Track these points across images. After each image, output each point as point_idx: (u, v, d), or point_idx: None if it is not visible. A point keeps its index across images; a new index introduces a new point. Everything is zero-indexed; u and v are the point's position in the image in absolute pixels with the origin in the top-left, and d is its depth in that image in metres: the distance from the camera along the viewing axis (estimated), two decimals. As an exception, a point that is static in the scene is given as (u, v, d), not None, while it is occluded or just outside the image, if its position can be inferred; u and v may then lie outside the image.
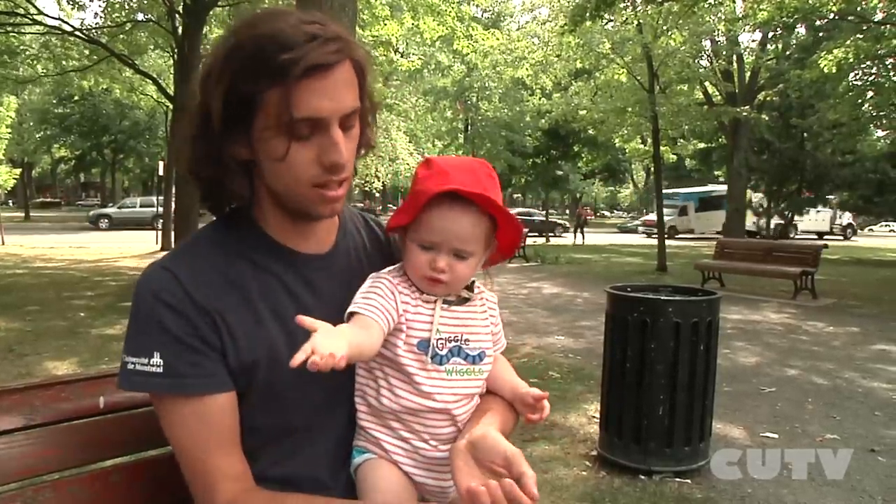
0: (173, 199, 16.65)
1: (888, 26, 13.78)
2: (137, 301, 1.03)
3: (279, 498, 1.04)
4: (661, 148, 18.04)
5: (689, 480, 3.56)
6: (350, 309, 1.05)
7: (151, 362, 1.00)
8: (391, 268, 1.14)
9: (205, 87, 1.01)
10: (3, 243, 18.86)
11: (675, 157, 32.42)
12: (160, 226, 19.68)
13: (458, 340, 1.10)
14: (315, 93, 0.96)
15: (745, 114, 17.99)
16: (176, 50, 14.58)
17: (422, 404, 1.07)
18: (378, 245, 1.28)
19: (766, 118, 21.01)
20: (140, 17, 15.35)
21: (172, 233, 15.70)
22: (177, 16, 13.98)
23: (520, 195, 58.42)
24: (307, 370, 1.07)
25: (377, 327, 1.02)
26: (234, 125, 1.01)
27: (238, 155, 1.05)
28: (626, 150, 29.80)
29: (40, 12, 14.44)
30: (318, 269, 1.15)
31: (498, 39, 20.35)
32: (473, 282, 1.17)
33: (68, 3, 16.31)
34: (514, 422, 1.19)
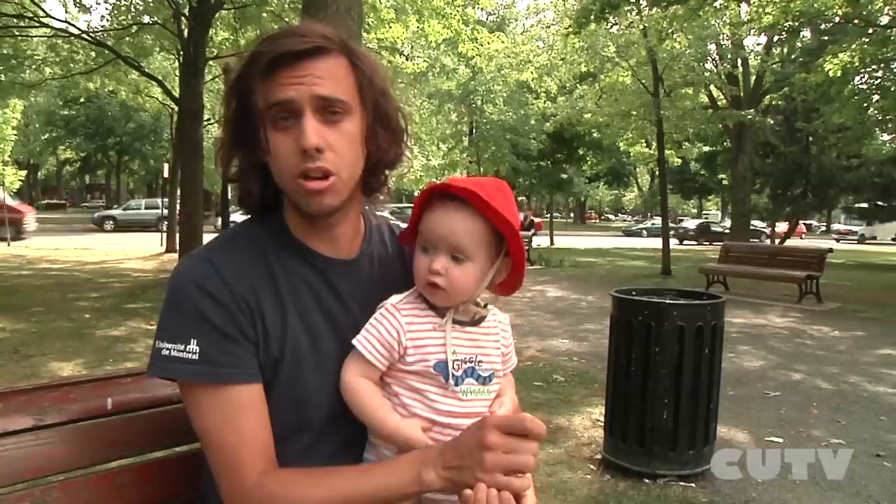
0: (178, 201, 16.72)
1: (894, 30, 13.73)
2: (176, 290, 1.05)
3: (310, 471, 1.05)
4: (666, 151, 18.04)
5: (693, 484, 3.55)
6: (354, 341, 1.09)
7: (188, 349, 1.01)
8: (407, 293, 1.15)
9: (223, 99, 1.11)
10: (8, 245, 18.93)
11: (679, 160, 32.40)
12: (165, 228, 19.76)
13: (472, 362, 1.11)
14: (285, 79, 1.02)
15: (749, 117, 17.96)
16: (181, 52, 14.62)
17: (437, 420, 1.08)
18: (400, 254, 1.28)
19: (771, 122, 20.97)
20: (146, 19, 15.39)
21: (177, 235, 15.75)
22: (182, 18, 14.02)
23: (524, 198, 58.36)
24: (324, 374, 1.10)
25: (376, 370, 1.09)
26: (245, 128, 1.07)
27: (258, 158, 1.09)
28: (631, 154, 29.74)
29: (47, 15, 14.48)
30: (343, 275, 1.17)
31: (503, 43, 20.34)
32: (487, 304, 1.18)
33: (75, 6, 16.36)
34: None
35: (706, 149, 31.43)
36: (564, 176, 29.63)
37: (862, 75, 16.82)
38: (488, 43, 16.71)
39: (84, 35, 15.25)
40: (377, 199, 1.23)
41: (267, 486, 1.02)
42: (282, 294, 1.10)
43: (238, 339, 1.03)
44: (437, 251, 1.07)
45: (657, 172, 19.37)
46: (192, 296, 1.03)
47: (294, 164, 1.03)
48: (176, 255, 14.87)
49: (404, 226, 1.22)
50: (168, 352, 1.02)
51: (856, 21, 14.25)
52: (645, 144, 26.58)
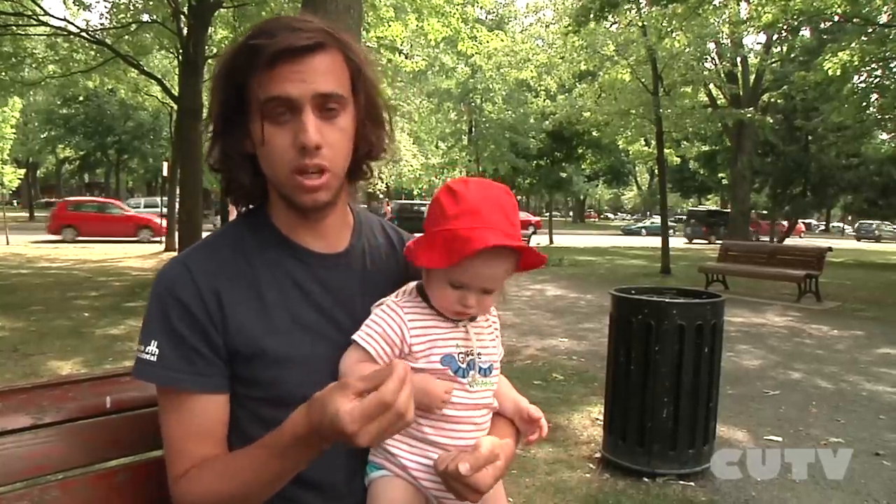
0: (177, 199, 16.71)
1: (894, 29, 13.74)
2: (152, 293, 1.08)
3: (229, 457, 1.05)
4: (665, 150, 18.03)
5: (692, 483, 3.55)
6: (355, 336, 1.08)
7: (147, 350, 1.05)
8: (401, 290, 1.15)
9: (213, 86, 1.10)
10: (7, 243, 18.91)
11: (678, 159, 32.39)
12: (164, 226, 19.75)
13: (473, 354, 1.12)
14: (285, 75, 1.01)
15: (749, 116, 17.95)
16: (181, 51, 14.61)
17: (449, 415, 1.09)
18: (393, 251, 1.28)
19: (771, 121, 20.95)
20: (145, 17, 15.39)
21: (176, 233, 15.75)
22: (182, 17, 14.02)
23: (523, 197, 58.36)
24: (316, 369, 1.08)
25: (377, 365, 1.05)
26: (235, 118, 1.07)
27: (245, 148, 1.10)
28: (630, 153, 29.76)
29: (46, 13, 14.46)
30: (331, 268, 1.17)
31: (502, 41, 20.34)
32: None
33: (74, 4, 16.34)
34: (517, 439, 1.23)
35: (705, 148, 31.44)
36: (564, 175, 29.64)
37: (861, 74, 16.83)
38: (488, 41, 16.72)
39: (83, 33, 15.24)
40: (357, 187, 1.23)
41: (189, 475, 1.04)
42: (264, 292, 1.09)
43: (198, 348, 1.05)
44: (471, 290, 1.08)
45: (656, 171, 19.35)
46: (161, 299, 1.06)
47: (290, 160, 1.03)
48: (175, 255, 14.87)
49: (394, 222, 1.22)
50: (139, 354, 1.06)
51: (855, 20, 14.25)
52: (644, 143, 26.58)
